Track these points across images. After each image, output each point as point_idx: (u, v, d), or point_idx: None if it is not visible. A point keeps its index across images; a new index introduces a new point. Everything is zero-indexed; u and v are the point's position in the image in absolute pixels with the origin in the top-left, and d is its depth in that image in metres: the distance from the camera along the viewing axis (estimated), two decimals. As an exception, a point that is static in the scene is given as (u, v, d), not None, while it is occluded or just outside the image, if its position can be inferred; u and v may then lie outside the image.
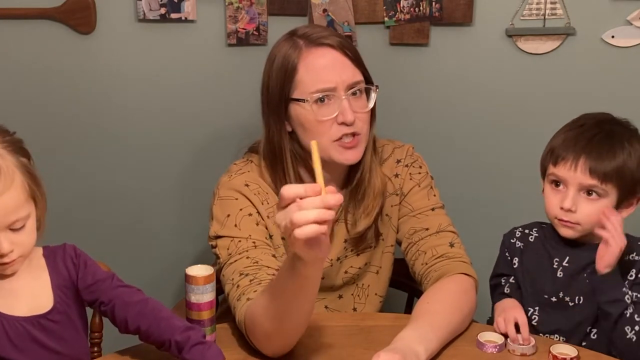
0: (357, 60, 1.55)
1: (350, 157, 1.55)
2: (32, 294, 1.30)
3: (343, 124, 1.51)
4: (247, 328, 1.37)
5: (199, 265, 1.36)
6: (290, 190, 1.15)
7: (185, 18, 2.11)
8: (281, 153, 1.57)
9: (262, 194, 1.57)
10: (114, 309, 1.32)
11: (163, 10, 2.09)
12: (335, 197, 1.14)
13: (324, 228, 1.13)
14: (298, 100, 1.53)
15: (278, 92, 1.55)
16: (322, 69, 1.52)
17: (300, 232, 1.12)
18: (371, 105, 1.57)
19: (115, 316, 1.32)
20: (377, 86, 1.58)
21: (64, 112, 2.16)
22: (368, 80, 1.58)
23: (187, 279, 1.33)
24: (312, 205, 1.12)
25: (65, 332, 1.31)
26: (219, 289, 1.45)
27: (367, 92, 1.58)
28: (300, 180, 1.58)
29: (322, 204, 1.12)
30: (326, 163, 1.54)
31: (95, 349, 1.62)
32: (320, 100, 1.52)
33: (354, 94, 1.54)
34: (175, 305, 1.92)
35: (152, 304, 1.33)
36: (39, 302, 1.30)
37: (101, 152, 2.21)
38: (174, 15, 2.11)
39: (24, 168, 1.23)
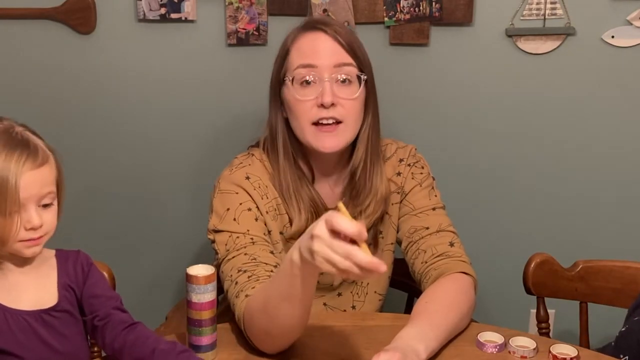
0: (350, 49, 1.54)
1: (326, 143, 1.53)
2: (37, 289, 1.31)
3: (322, 106, 1.51)
4: (246, 323, 1.37)
5: (199, 264, 1.35)
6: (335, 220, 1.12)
7: (185, 18, 2.11)
8: (277, 139, 1.59)
9: (262, 188, 1.57)
10: (106, 326, 1.33)
11: (163, 10, 2.10)
12: (367, 259, 1.09)
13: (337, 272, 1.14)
14: (285, 79, 1.55)
15: (275, 77, 1.59)
16: (307, 48, 1.54)
17: (319, 263, 1.14)
18: (357, 93, 1.55)
19: (105, 334, 1.33)
20: (365, 77, 1.55)
21: (63, 112, 2.17)
22: (362, 71, 1.56)
23: (188, 278, 1.33)
24: (342, 250, 1.11)
25: (66, 329, 1.32)
26: (219, 288, 1.45)
27: (362, 84, 1.56)
28: (292, 169, 1.58)
29: (349, 257, 1.11)
30: (316, 153, 1.56)
31: (95, 349, 1.62)
32: (306, 82, 1.52)
33: (343, 81, 1.53)
34: (176, 305, 1.93)
35: (144, 326, 1.35)
36: (43, 297, 1.31)
37: (100, 151, 2.22)
38: (174, 15, 2.11)
39: (54, 155, 1.30)
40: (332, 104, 1.51)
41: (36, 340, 1.28)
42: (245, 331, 1.38)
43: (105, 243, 2.19)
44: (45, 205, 1.26)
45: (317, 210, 1.59)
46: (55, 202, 1.29)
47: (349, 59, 1.54)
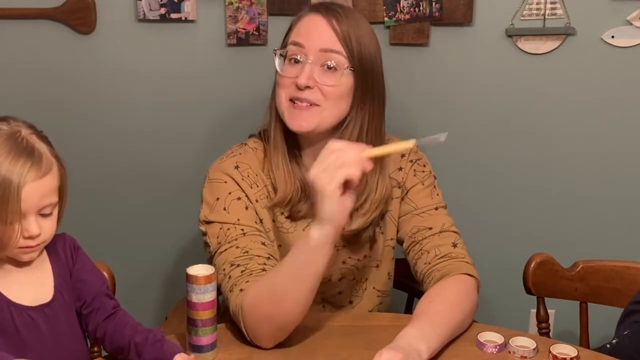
0: (343, 38, 1.52)
1: (295, 122, 1.53)
2: (36, 283, 1.32)
3: (298, 86, 1.52)
4: (245, 314, 1.37)
5: (199, 264, 1.35)
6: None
7: (185, 18, 2.11)
8: (272, 114, 1.60)
9: (251, 177, 1.57)
10: (90, 314, 1.35)
11: (163, 10, 2.10)
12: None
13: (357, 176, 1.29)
14: (278, 52, 1.57)
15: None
16: (303, 28, 1.55)
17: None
18: (336, 82, 1.52)
19: (89, 322, 1.36)
20: (352, 69, 1.53)
21: (63, 112, 2.17)
22: (352, 62, 1.53)
23: (188, 278, 1.33)
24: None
25: (65, 322, 1.33)
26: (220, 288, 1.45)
27: (354, 75, 1.54)
28: (284, 147, 1.59)
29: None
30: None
31: (95, 348, 1.62)
32: (295, 60, 1.54)
33: (329, 67, 1.53)
34: (176, 305, 1.92)
35: (122, 313, 1.37)
36: (43, 291, 1.32)
37: (100, 151, 2.22)
38: (174, 15, 2.11)
39: (58, 160, 1.30)
40: (308, 87, 1.51)
41: (38, 337, 1.28)
42: (244, 323, 1.38)
43: (105, 243, 2.19)
44: (45, 214, 1.27)
45: (305, 187, 1.57)
46: (55, 211, 1.29)
47: (339, 47, 1.52)
